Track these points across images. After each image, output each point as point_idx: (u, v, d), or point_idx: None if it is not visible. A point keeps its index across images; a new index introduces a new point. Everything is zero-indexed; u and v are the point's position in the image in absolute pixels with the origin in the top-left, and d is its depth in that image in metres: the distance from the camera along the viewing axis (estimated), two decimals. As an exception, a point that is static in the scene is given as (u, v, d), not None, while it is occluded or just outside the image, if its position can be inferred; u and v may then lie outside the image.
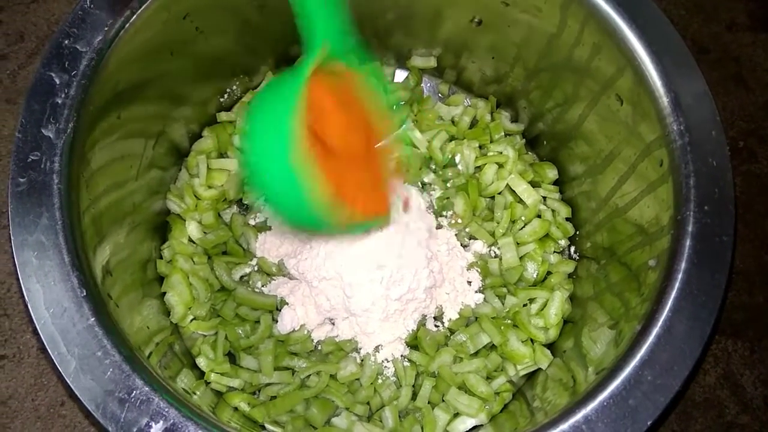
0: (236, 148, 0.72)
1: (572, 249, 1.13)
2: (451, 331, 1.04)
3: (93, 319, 0.75)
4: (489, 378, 1.02)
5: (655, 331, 0.78)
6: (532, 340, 1.03)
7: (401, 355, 1.02)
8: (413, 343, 1.03)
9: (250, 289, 1.05)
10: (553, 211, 1.13)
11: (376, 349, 1.02)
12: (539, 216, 1.11)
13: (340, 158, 0.78)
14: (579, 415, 0.75)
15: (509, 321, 1.04)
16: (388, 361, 1.02)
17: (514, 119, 1.21)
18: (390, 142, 0.87)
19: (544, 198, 1.14)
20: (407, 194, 1.06)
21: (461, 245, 1.09)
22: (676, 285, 0.79)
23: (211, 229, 1.08)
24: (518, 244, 1.09)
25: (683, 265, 0.80)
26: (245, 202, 1.13)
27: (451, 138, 1.17)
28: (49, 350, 0.74)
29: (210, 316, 1.04)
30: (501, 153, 1.13)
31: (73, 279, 0.76)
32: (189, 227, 1.07)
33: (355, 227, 0.78)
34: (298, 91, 0.70)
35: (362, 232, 0.96)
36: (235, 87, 1.17)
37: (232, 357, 1.03)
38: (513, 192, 1.11)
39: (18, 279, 0.76)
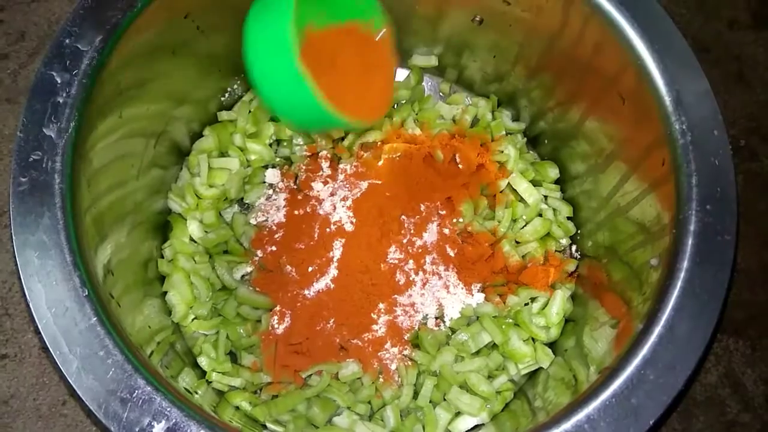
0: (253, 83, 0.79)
1: (573, 248, 1.13)
2: (453, 331, 1.04)
3: (95, 318, 0.75)
4: (490, 377, 1.02)
5: (657, 330, 0.78)
6: (533, 339, 1.03)
7: (403, 354, 1.02)
8: (415, 342, 1.03)
9: (251, 289, 1.05)
10: (554, 210, 1.13)
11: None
12: (540, 215, 1.11)
13: (334, 66, 0.84)
14: (581, 414, 0.75)
15: (510, 320, 1.04)
16: (390, 361, 1.02)
17: (516, 118, 1.21)
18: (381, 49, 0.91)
19: (546, 197, 1.14)
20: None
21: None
22: (678, 284, 0.79)
23: (212, 228, 1.08)
24: (519, 243, 1.09)
25: (685, 263, 0.80)
26: (246, 201, 1.13)
27: (452, 137, 1.16)
28: (50, 350, 0.74)
29: (211, 316, 1.04)
30: (502, 152, 1.13)
31: (74, 278, 0.76)
32: (190, 226, 1.07)
33: (351, 124, 0.83)
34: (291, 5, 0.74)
35: (358, 129, 1.06)
36: (236, 86, 1.17)
37: (233, 356, 1.03)
38: (514, 191, 1.11)
39: (20, 278, 0.76)
